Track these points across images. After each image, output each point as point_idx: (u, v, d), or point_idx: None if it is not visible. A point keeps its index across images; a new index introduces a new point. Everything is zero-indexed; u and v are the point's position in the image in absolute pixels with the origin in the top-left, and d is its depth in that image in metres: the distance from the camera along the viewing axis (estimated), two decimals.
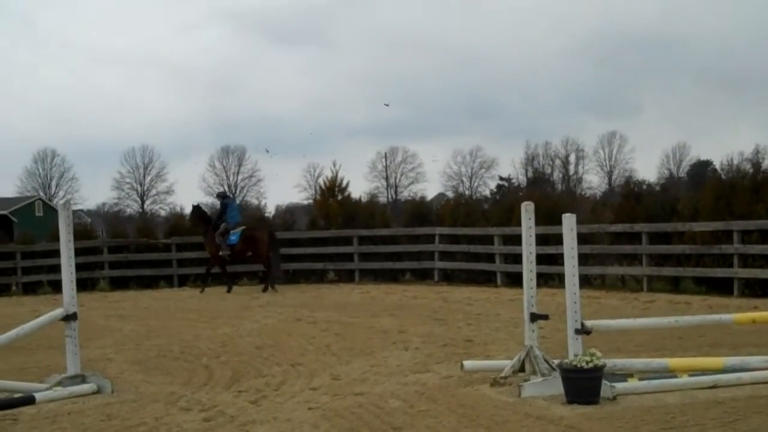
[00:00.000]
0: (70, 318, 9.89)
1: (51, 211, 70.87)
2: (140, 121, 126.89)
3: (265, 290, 23.89)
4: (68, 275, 10.02)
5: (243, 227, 24.94)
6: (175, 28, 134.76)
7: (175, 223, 29.39)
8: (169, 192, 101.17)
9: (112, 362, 12.25)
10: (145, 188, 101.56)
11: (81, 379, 9.83)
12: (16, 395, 9.33)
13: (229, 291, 24.11)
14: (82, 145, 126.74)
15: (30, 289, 26.75)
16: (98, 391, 9.73)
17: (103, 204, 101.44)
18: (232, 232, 24.60)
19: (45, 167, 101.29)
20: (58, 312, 9.98)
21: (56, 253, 23.07)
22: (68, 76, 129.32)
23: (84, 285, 23.63)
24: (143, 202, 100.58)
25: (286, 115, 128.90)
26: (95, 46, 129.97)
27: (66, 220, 10.11)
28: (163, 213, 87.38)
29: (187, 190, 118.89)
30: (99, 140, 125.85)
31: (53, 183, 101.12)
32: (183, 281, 26.59)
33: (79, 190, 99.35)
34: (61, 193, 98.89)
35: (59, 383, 9.70)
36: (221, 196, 27.48)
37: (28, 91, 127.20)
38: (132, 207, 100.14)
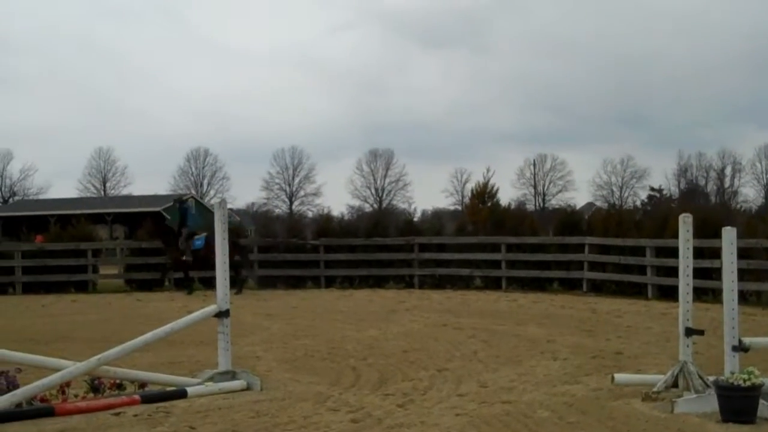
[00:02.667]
0: (222, 315, 10.05)
1: (203, 210, 72.54)
2: (290, 122, 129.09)
3: (238, 293, 24.41)
4: (222, 273, 10.20)
5: (205, 233, 25.47)
6: (326, 29, 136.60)
7: (324, 224, 29.75)
8: (317, 194, 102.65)
9: (260, 360, 12.40)
10: (294, 189, 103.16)
11: (231, 375, 9.97)
12: (169, 389, 9.54)
13: (190, 293, 24.74)
14: (234, 145, 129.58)
15: (182, 284, 27.37)
16: (248, 388, 9.85)
17: (252, 204, 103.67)
18: (196, 237, 25.28)
19: (197, 166, 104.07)
20: (211, 308, 10.15)
21: None
22: (221, 77, 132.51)
23: (233, 283, 24.06)
24: (291, 202, 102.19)
25: (434, 119, 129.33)
26: (248, 47, 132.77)
27: (221, 219, 10.29)
28: (310, 214, 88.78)
29: (335, 192, 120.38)
30: (250, 140, 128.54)
31: (205, 182, 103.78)
32: (330, 282, 26.83)
33: (229, 190, 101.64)
34: (212, 192, 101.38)
35: (210, 378, 9.86)
36: (179, 201, 27.75)
37: (183, 91, 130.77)
38: (280, 207, 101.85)
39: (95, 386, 9.36)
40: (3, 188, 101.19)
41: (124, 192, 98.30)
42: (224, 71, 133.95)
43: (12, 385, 8.55)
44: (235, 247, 25.59)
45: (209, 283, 24.77)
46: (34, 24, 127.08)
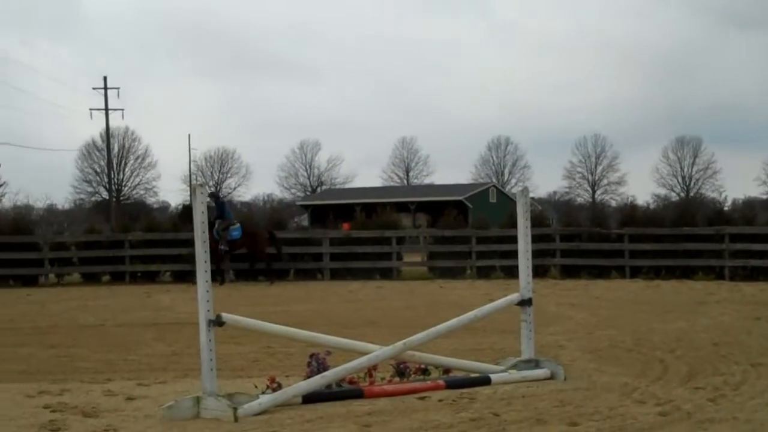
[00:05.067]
0: (525, 303, 9.96)
1: (504, 198, 72.88)
2: (592, 109, 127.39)
3: (271, 283, 25.51)
4: (525, 261, 10.09)
5: (239, 224, 26.43)
6: (630, 11, 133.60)
7: (629, 213, 29.13)
8: (620, 182, 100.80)
9: (563, 349, 12.24)
10: (596, 178, 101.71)
11: (535, 363, 9.88)
12: (473, 375, 9.56)
13: (221, 284, 24.94)
14: (535, 134, 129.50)
15: (483, 273, 27.55)
16: (551, 377, 9.73)
17: (554, 192, 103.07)
18: (232, 228, 25.89)
19: (498, 155, 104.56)
20: (514, 297, 10.08)
21: (509, 239, 23.67)
22: (522, 64, 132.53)
23: (536, 271, 23.90)
24: (594, 191, 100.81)
25: (745, 104, 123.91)
26: (548, 32, 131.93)
27: (524, 207, 10.17)
28: (613, 203, 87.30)
29: (639, 180, 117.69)
30: (551, 128, 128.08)
31: (506, 170, 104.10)
32: (635, 273, 26.24)
33: (530, 178, 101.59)
34: (513, 181, 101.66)
35: (514, 366, 9.81)
36: (215, 195, 28.42)
37: (485, 80, 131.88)
38: (582, 196, 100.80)
39: (401, 370, 9.51)
40: (311, 178, 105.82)
41: (426, 181, 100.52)
42: (524, 58, 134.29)
43: (322, 367, 8.82)
44: (271, 241, 26.07)
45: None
46: (342, 16, 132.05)
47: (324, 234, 29.26)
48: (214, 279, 25.47)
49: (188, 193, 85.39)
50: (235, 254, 26.96)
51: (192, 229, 25.81)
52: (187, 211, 27.60)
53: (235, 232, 26.44)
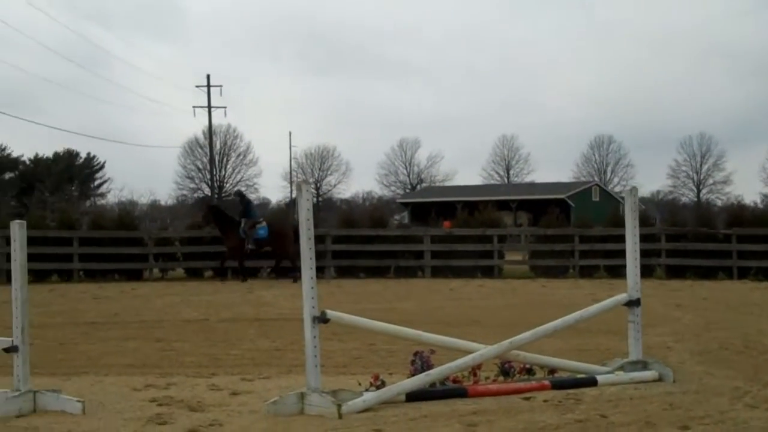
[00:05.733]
0: (633, 303, 9.77)
1: (607, 197, 71.94)
2: (698, 107, 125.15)
3: (295, 281, 24.04)
4: (633, 261, 9.91)
5: (265, 223, 26.13)
6: (734, 11, 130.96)
7: (736, 213, 28.54)
8: (726, 182, 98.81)
9: (671, 351, 11.98)
10: (702, 177, 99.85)
11: (642, 365, 9.67)
12: (579, 376, 9.41)
13: (244, 280, 25.69)
14: (638, 132, 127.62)
15: (586, 272, 27.23)
16: (659, 379, 9.51)
17: (657, 192, 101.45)
18: (258, 226, 25.64)
19: (601, 153, 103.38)
20: (622, 297, 9.90)
21: (613, 239, 23.44)
22: (625, 61, 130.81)
23: (641, 271, 23.55)
24: (699, 191, 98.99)
25: None
26: (653, 29, 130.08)
27: (632, 206, 9.99)
28: (719, 203, 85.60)
29: (746, 180, 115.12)
30: (655, 127, 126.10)
31: (608, 169, 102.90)
32: (743, 274, 25.67)
33: (634, 177, 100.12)
34: (615, 180, 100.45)
35: (620, 368, 9.62)
36: (240, 194, 28.51)
37: (587, 77, 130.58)
38: (687, 196, 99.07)
39: (505, 370, 9.40)
40: (411, 175, 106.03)
41: (527, 179, 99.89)
42: (627, 55, 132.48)
43: (426, 366, 8.76)
44: (296, 239, 25.47)
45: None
46: (445, 12, 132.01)
47: (425, 232, 29.25)
48: (238, 275, 25.93)
49: (289, 189, 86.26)
50: (262, 252, 26.88)
51: (215, 228, 26.29)
52: (212, 212, 27.80)
53: (262, 230, 26.43)
